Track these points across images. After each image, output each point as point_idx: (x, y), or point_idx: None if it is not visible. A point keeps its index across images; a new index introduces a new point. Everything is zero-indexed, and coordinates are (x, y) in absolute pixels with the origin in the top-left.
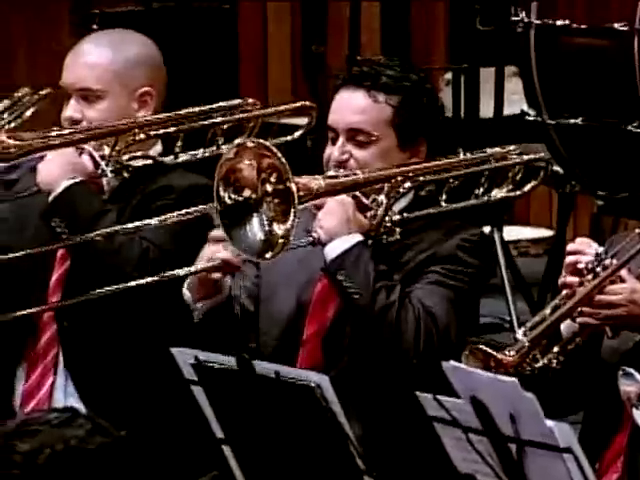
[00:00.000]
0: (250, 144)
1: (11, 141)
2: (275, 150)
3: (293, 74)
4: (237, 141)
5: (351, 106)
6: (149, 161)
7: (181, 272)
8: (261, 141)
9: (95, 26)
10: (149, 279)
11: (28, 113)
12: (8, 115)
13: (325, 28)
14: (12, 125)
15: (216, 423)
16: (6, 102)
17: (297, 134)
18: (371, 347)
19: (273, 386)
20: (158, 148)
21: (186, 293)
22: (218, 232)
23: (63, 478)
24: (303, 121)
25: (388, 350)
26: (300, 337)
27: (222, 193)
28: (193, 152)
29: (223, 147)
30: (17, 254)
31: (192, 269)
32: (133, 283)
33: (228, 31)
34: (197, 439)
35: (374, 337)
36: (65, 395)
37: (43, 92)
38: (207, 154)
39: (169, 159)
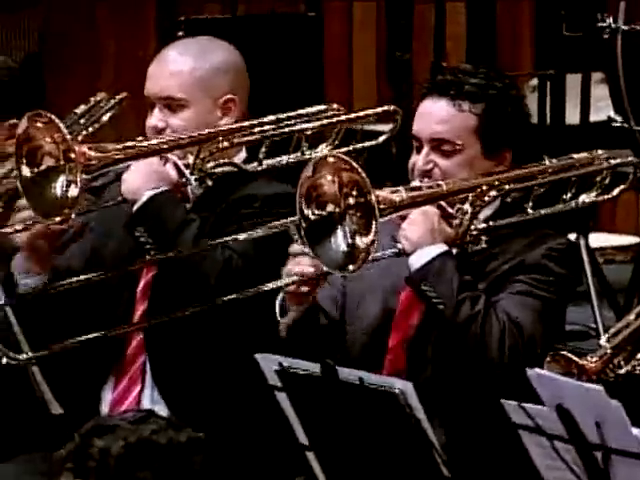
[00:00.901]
0: (329, 159)
1: (93, 153)
2: (354, 164)
3: (378, 81)
4: (317, 155)
5: (435, 115)
6: (233, 169)
7: (265, 288)
8: (340, 155)
9: (181, 33)
10: (231, 296)
11: (105, 118)
12: (85, 120)
13: (410, 35)
14: (89, 130)
15: (300, 429)
16: (83, 107)
17: (381, 139)
18: (456, 356)
19: (357, 392)
20: (242, 155)
21: (276, 308)
22: (296, 246)
23: (135, 469)
24: (387, 128)
25: (473, 360)
26: (385, 344)
27: (305, 209)
28: (277, 159)
29: (307, 153)
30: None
31: (273, 285)
32: (217, 301)
33: (313, 38)
34: (281, 445)
35: (459, 347)
36: (152, 403)
37: (120, 97)
38: (291, 160)
39: (252, 166)
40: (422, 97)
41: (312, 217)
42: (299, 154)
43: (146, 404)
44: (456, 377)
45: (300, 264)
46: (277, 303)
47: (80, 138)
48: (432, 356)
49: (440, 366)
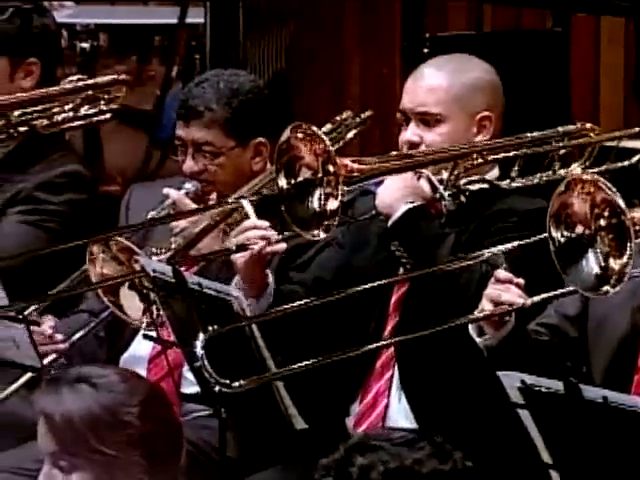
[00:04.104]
0: (583, 177)
1: (355, 165)
2: (608, 184)
3: (625, 98)
4: (569, 174)
5: None
6: (486, 185)
7: (472, 317)
8: (593, 176)
9: (425, 50)
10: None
11: (350, 135)
12: (331, 138)
13: None
14: (334, 147)
15: (543, 447)
16: (329, 126)
17: (635, 159)
18: None
19: (601, 411)
20: (495, 172)
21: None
22: (504, 272)
23: None
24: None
25: None
26: (632, 363)
27: (554, 229)
28: (530, 177)
29: (559, 172)
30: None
31: (480, 314)
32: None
33: (560, 54)
34: (525, 463)
35: None
36: (398, 416)
37: (365, 115)
38: (544, 179)
39: (505, 183)
40: None
41: (561, 237)
42: (551, 173)
43: (392, 417)
44: None
45: (509, 292)
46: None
47: None
48: None
49: None
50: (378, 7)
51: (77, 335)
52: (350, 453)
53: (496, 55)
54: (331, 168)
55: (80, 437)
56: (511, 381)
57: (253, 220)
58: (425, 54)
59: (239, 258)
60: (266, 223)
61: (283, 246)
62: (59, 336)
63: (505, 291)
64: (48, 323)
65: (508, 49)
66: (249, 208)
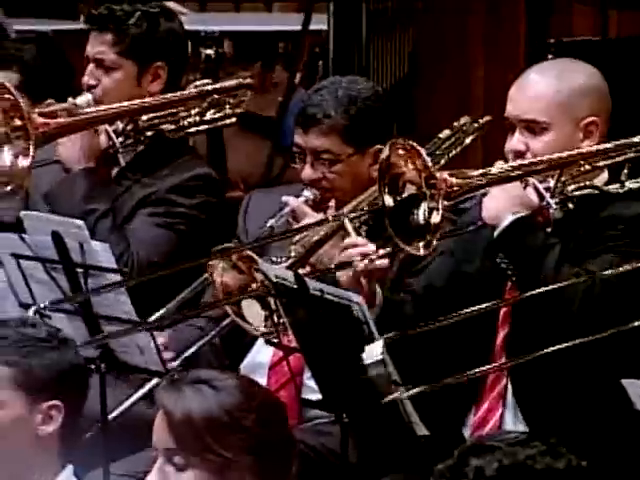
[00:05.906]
0: None
1: (454, 180)
2: None
3: None
4: None
5: None
6: (595, 191)
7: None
8: None
9: (550, 56)
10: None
11: (467, 141)
12: (449, 144)
13: None
14: (452, 154)
15: None
16: (447, 132)
17: None
18: None
19: None
20: (604, 177)
21: None
22: None
23: None
24: None
25: None
26: None
27: None
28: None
29: None
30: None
31: None
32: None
33: None
34: None
35: None
36: (515, 426)
37: (483, 120)
38: None
39: (614, 188)
40: None
41: None
42: None
43: (508, 427)
44: None
45: None
46: None
47: (443, 162)
48: None
49: None
50: (502, 11)
51: (190, 351)
52: (465, 456)
53: (621, 61)
54: (432, 182)
55: (198, 435)
56: (636, 389)
57: (353, 238)
58: (549, 59)
59: (342, 276)
60: (365, 240)
61: (385, 262)
62: (168, 354)
63: None
64: (160, 339)
65: (634, 55)
66: (349, 226)
